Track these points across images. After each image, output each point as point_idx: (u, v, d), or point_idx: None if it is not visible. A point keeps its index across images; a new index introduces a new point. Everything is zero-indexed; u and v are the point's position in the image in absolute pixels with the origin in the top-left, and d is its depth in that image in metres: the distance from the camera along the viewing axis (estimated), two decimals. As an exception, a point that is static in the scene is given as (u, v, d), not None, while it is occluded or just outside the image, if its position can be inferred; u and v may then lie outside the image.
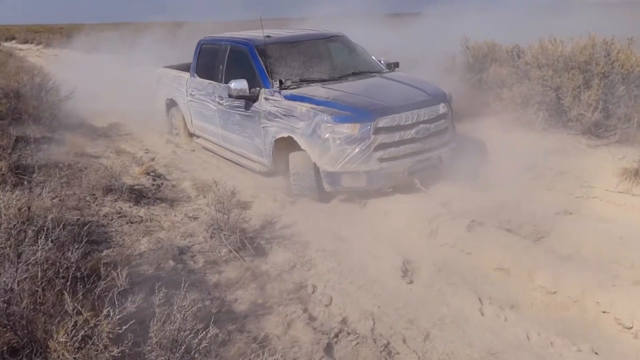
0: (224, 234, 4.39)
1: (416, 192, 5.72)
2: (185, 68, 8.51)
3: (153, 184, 5.94)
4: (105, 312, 2.16)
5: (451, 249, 4.83)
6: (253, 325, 3.37)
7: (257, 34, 6.93)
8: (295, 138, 5.83)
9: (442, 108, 5.94)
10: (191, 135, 8.39)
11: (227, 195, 4.47)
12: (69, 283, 2.50)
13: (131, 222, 4.71)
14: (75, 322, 2.09)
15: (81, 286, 2.60)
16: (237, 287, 3.82)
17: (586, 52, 7.14)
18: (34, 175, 5.06)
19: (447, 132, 6.10)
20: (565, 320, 3.85)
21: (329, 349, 3.24)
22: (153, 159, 7.17)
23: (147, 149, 7.71)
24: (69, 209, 4.59)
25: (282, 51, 6.70)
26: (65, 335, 2.08)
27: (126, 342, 2.17)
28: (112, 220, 4.62)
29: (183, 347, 2.21)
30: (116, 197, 5.11)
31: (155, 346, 2.16)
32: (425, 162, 5.80)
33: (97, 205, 4.89)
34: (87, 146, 7.23)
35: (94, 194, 5.13)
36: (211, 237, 4.47)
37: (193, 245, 4.39)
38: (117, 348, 2.08)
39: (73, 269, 2.62)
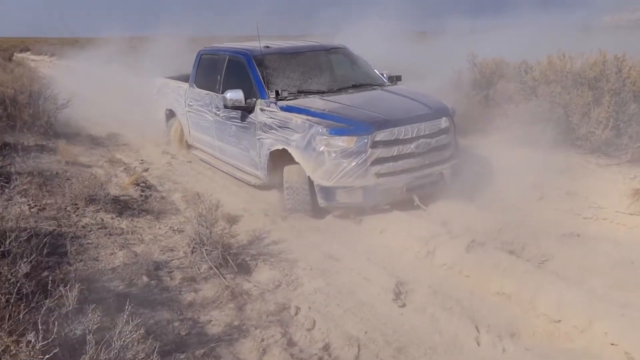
0: (206, 249, 4.12)
1: (415, 210, 5.43)
2: (186, 79, 8.36)
3: (141, 195, 5.71)
4: (28, 338, 1.88)
5: (448, 271, 4.51)
6: (224, 350, 3.08)
7: (257, 44, 6.75)
8: (290, 150, 5.58)
9: (444, 122, 5.66)
10: (189, 146, 8.20)
11: (211, 208, 4.19)
12: (11, 300, 2.24)
13: (110, 235, 4.46)
14: None
15: (24, 305, 2.33)
16: (213, 307, 3.54)
17: (596, 69, 6.85)
18: (16, 182, 4.84)
19: (449, 148, 5.81)
20: (570, 352, 3.51)
21: (306, 379, 2.93)
22: (147, 170, 6.96)
23: (142, 160, 7.51)
24: (46, 219, 4.35)
25: (281, 62, 6.50)
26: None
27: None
28: (90, 231, 4.37)
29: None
30: (99, 208, 4.88)
31: None
32: (425, 179, 5.51)
33: (77, 215, 4.66)
34: (80, 155, 7.04)
35: (76, 204, 4.89)
36: (192, 252, 4.21)
37: (172, 260, 4.12)
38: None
39: (18, 285, 2.35)
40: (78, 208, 4.83)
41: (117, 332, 2.14)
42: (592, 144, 6.51)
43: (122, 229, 4.65)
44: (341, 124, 5.31)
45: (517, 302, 4.01)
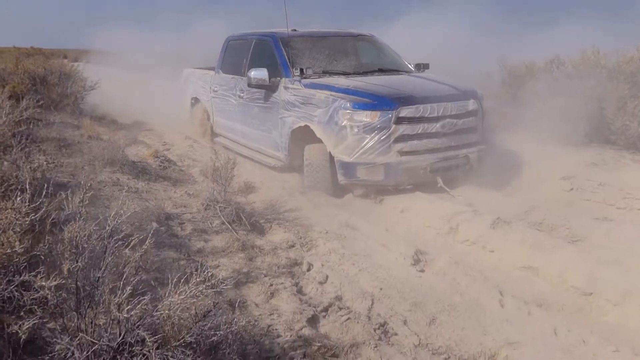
0: (220, 206, 4.00)
1: (438, 192, 5.23)
2: (212, 69, 8.40)
3: (160, 165, 5.65)
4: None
5: (471, 246, 4.28)
6: (231, 292, 2.91)
7: (284, 29, 6.73)
8: (312, 127, 5.47)
9: (471, 104, 5.48)
10: (213, 134, 8.17)
11: (227, 163, 4.09)
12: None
13: (124, 191, 4.38)
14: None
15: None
16: (221, 255, 3.39)
17: (633, 65, 6.59)
18: (36, 143, 4.84)
19: (477, 132, 5.61)
20: (602, 324, 3.23)
21: (313, 320, 2.73)
22: (168, 150, 6.94)
23: (164, 142, 7.51)
24: (61, 172, 4.30)
25: (307, 44, 6.45)
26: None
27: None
28: (104, 186, 4.30)
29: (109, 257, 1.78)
30: (115, 169, 4.82)
31: (67, 244, 1.74)
32: (450, 161, 5.32)
33: (93, 173, 4.60)
34: (103, 134, 7.06)
35: (93, 164, 4.85)
36: (205, 209, 4.09)
37: (184, 214, 4.01)
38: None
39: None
40: (95, 167, 4.79)
41: (113, 213, 2.01)
42: (627, 139, 6.23)
43: (137, 188, 4.58)
44: (365, 99, 5.19)
45: (544, 276, 3.76)
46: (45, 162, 4.49)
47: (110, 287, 1.69)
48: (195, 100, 8.52)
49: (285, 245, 3.84)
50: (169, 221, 3.78)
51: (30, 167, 2.71)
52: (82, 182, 3.27)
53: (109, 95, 9.54)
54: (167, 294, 1.70)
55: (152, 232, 2.64)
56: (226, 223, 3.86)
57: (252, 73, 6.09)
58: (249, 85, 6.29)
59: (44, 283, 1.62)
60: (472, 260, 4.05)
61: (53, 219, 2.09)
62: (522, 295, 3.46)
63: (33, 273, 1.70)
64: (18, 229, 1.80)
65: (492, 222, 4.37)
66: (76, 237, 1.70)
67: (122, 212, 2.08)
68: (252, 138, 6.83)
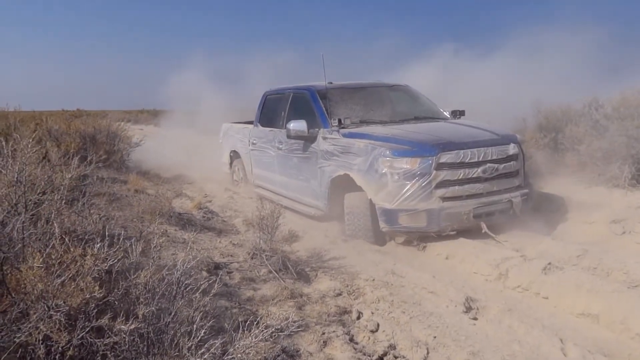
0: (266, 254, 4.03)
1: (482, 238, 5.14)
2: (250, 123, 8.67)
3: (204, 217, 5.77)
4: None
5: (523, 292, 4.15)
6: (283, 341, 2.88)
7: (320, 83, 6.95)
8: (352, 175, 5.53)
9: (512, 149, 5.46)
10: (252, 186, 8.34)
11: (274, 212, 4.15)
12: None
13: (173, 242, 4.48)
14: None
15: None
16: (271, 303, 3.38)
17: (675, 104, 6.49)
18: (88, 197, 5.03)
19: (518, 176, 5.56)
20: (676, 375, 3.03)
21: (370, 370, 2.67)
22: (210, 202, 7.09)
23: (206, 194, 7.68)
24: (114, 225, 4.44)
25: (343, 96, 6.63)
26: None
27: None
28: (153, 237, 4.41)
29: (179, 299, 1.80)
30: (163, 221, 4.95)
31: (142, 288, 1.78)
32: (493, 206, 5.25)
33: (143, 225, 4.73)
34: (148, 188, 7.29)
35: (142, 217, 4.99)
36: (252, 258, 4.12)
37: (231, 263, 4.05)
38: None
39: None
40: (144, 220, 4.92)
41: (180, 260, 2.05)
42: (676, 180, 6.03)
43: (184, 239, 4.66)
44: (404, 146, 5.24)
45: (606, 323, 3.58)
46: (97, 217, 4.65)
47: (182, 331, 1.71)
48: (235, 154, 8.76)
49: (332, 293, 3.81)
50: (218, 270, 3.82)
51: (95, 219, 2.83)
52: (141, 233, 3.37)
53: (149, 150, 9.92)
54: (237, 338, 1.71)
55: (205, 280, 2.67)
56: (273, 272, 3.87)
57: (292, 125, 6.25)
58: (288, 136, 6.46)
59: (123, 327, 1.65)
60: (526, 307, 3.91)
61: (117, 268, 2.16)
62: (584, 343, 3.30)
63: (107, 316, 1.74)
64: (95, 275, 1.87)
65: (543, 267, 4.24)
66: (149, 281, 1.75)
67: (189, 258, 2.11)
68: (291, 188, 6.92)
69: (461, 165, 5.15)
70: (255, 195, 7.93)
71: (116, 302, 1.88)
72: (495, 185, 5.31)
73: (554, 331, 3.40)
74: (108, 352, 1.72)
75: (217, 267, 3.88)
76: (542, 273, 4.18)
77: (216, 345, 1.67)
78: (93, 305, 1.78)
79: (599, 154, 6.80)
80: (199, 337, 1.65)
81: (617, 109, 6.81)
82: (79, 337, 1.71)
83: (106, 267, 1.88)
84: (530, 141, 8.14)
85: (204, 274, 3.58)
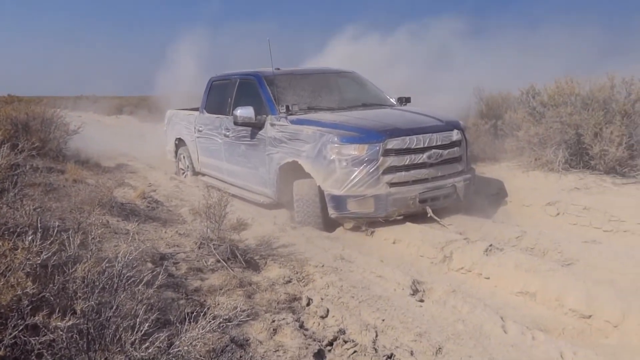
0: (214, 244, 3.95)
1: (428, 222, 5.28)
2: (196, 110, 8.45)
3: (148, 207, 5.58)
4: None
5: (467, 274, 4.30)
6: (232, 331, 2.84)
7: (267, 68, 6.84)
8: (300, 162, 5.51)
9: (455, 135, 5.60)
10: (197, 174, 8.16)
11: (221, 200, 4.07)
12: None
13: (115, 233, 4.30)
14: None
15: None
16: (219, 293, 3.32)
17: (605, 92, 6.86)
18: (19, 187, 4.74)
19: (462, 162, 5.72)
20: (606, 346, 3.23)
21: (319, 355, 2.68)
22: (154, 191, 6.86)
23: (150, 183, 7.43)
24: (50, 217, 4.21)
25: (291, 82, 6.58)
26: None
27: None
28: (93, 228, 4.21)
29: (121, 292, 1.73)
30: (105, 212, 4.74)
31: (80, 283, 1.68)
32: (438, 190, 5.39)
33: (82, 216, 4.52)
34: (88, 177, 6.97)
35: (81, 208, 4.76)
36: (199, 247, 4.03)
37: (177, 253, 3.94)
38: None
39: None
40: (83, 211, 4.70)
41: (121, 252, 1.96)
42: (606, 164, 6.40)
43: (128, 230, 4.49)
44: (352, 133, 5.27)
45: (542, 300, 3.77)
46: (31, 209, 4.39)
47: (125, 325, 1.64)
48: (180, 141, 8.53)
49: (282, 280, 3.79)
50: (163, 261, 3.71)
51: (27, 211, 2.66)
52: (80, 224, 3.21)
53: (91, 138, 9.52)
54: (184, 330, 1.66)
55: (149, 272, 2.59)
56: (221, 261, 3.81)
57: (239, 111, 6.14)
58: (235, 123, 6.34)
59: (60, 323, 1.56)
60: (469, 288, 4.06)
61: (53, 262, 2.04)
62: (523, 320, 3.46)
63: (43, 313, 1.63)
64: (28, 270, 1.74)
65: (485, 249, 4.40)
66: (88, 275, 1.66)
67: (132, 249, 2.02)
68: (239, 176, 6.82)
69: (407, 151, 5.24)
70: (202, 183, 7.77)
71: (52, 298, 1.77)
72: (439, 170, 5.45)
73: (495, 310, 3.53)
74: (44, 351, 1.62)
75: (163, 257, 3.76)
76: (484, 255, 4.34)
77: (161, 338, 1.61)
78: (26, 301, 1.67)
79: (535, 140, 7.11)
80: (143, 331, 1.58)
81: (552, 96, 7.13)
82: (12, 336, 1.60)
83: (40, 261, 1.77)
84: (473, 127, 8.40)
85: (149, 265, 3.46)
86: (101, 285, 1.72)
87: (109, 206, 4.87)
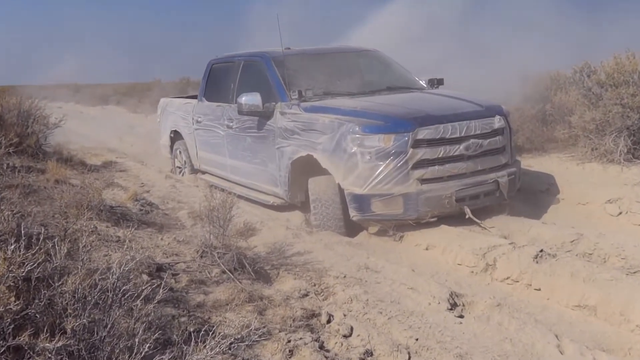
0: (218, 252, 3.97)
1: (467, 224, 5.26)
2: (193, 98, 8.52)
3: (141, 210, 5.63)
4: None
5: (513, 284, 4.27)
6: (242, 352, 2.85)
7: (276, 48, 6.85)
8: (316, 156, 5.51)
9: (497, 121, 5.55)
10: (196, 171, 8.23)
11: (225, 202, 4.09)
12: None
13: (105, 241, 4.35)
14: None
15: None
16: (226, 309, 3.34)
17: (675, 68, 6.75)
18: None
19: (505, 153, 5.68)
20: (681, 368, 3.18)
21: (344, 380, 2.68)
22: (148, 192, 6.93)
23: (142, 183, 7.50)
24: (31, 223, 4.27)
25: (304, 63, 6.60)
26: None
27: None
28: (81, 236, 4.26)
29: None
30: (92, 216, 4.79)
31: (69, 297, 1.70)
32: (478, 187, 5.36)
33: (67, 222, 4.57)
34: (72, 178, 7.05)
35: (65, 212, 4.82)
36: (201, 257, 4.06)
37: (177, 263, 3.97)
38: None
39: None
40: (68, 216, 4.75)
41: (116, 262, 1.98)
42: (676, 153, 6.30)
43: (119, 237, 4.54)
44: (376, 121, 5.26)
45: (604, 315, 3.72)
46: (10, 214, 4.46)
47: (121, 346, 1.65)
48: (176, 134, 8.59)
49: (297, 294, 3.81)
50: (161, 272, 3.74)
51: (6, 216, 2.69)
52: (66, 231, 3.25)
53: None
54: (189, 352, 1.66)
55: (147, 285, 2.61)
56: (227, 272, 3.83)
57: (243, 99, 6.16)
58: (240, 112, 6.37)
59: (48, 344, 1.57)
60: (517, 301, 4.03)
61: (38, 274, 2.06)
62: (581, 338, 3.42)
63: (28, 332, 1.65)
64: (11, 283, 1.76)
65: (534, 255, 4.36)
66: (79, 289, 1.67)
67: (127, 259, 2.04)
68: (245, 173, 6.86)
69: (441, 141, 5.21)
70: (202, 183, 7.82)
71: (38, 315, 1.79)
72: (479, 163, 5.42)
73: (548, 326, 3.50)
74: (30, 377, 1.64)
75: (160, 268, 3.80)
76: (533, 262, 4.30)
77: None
78: (9, 319, 1.69)
79: (591, 126, 7.02)
80: (143, 353, 1.59)
81: (611, 75, 7.02)
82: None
83: (24, 274, 1.79)
84: (517, 113, 8.32)
85: (144, 277, 3.49)
86: (93, 300, 1.73)
87: (97, 210, 4.91)
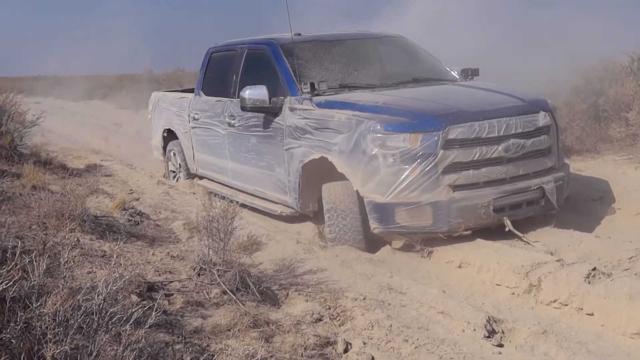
0: (218, 270, 3.99)
1: (507, 238, 5.27)
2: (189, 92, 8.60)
3: (129, 221, 5.68)
4: None
5: (562, 308, 4.24)
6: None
7: (284, 34, 6.90)
8: (331, 158, 5.55)
9: (542, 118, 5.55)
10: (193, 176, 8.29)
11: (226, 211, 4.12)
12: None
13: (89, 256, 4.39)
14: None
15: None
16: (227, 335, 3.36)
17: None
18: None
19: (551, 155, 5.68)
20: None
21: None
22: (137, 199, 6.99)
23: (131, 190, 7.57)
24: (5, 236, 4.33)
25: (317, 52, 6.63)
26: None
27: None
28: (62, 250, 4.32)
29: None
30: (74, 227, 4.85)
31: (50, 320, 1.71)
32: (520, 195, 5.37)
33: (46, 234, 4.64)
34: (51, 183, 7.14)
35: (44, 223, 4.88)
36: (198, 274, 4.09)
37: (170, 282, 4.00)
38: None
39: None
40: (47, 227, 4.81)
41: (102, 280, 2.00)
42: None
43: (104, 251, 4.58)
44: (401, 118, 5.28)
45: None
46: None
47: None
48: (169, 134, 8.67)
49: (309, 318, 3.82)
50: (152, 292, 3.77)
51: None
52: (45, 244, 3.29)
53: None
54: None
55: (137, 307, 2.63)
56: (228, 292, 3.85)
57: (247, 92, 6.20)
58: (243, 108, 6.41)
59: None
60: (565, 328, 4.00)
61: (13, 294, 2.09)
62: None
63: (3, 362, 1.67)
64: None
65: (586, 274, 4.34)
66: (60, 310, 1.69)
67: (115, 277, 2.06)
68: (249, 178, 6.91)
69: (477, 141, 5.22)
70: (200, 189, 7.87)
71: (13, 341, 1.81)
72: (521, 167, 5.42)
73: (603, 357, 3.49)
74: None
75: (152, 288, 3.81)
76: (584, 282, 4.27)
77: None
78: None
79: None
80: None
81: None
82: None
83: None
84: (565, 108, 8.31)
85: (134, 298, 3.52)
86: (76, 324, 1.75)
87: (79, 220, 4.96)
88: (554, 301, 4.31)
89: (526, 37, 10.49)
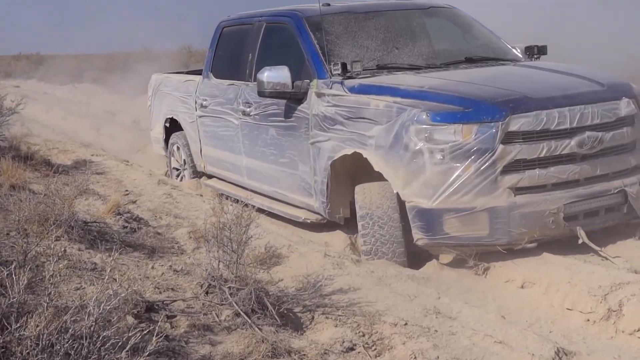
0: (229, 287, 4.03)
1: (581, 252, 5.27)
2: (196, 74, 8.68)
3: (125, 227, 5.76)
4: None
5: (647, 340, 4.20)
6: None
7: (311, 5, 6.92)
8: (366, 154, 5.56)
9: (624, 106, 5.50)
10: (201, 175, 8.36)
11: (240, 218, 4.15)
12: None
13: (76, 269, 4.46)
14: None
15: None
16: (242, 365, 3.40)
17: None
18: None
19: (636, 151, 5.63)
20: None
21: None
22: (134, 202, 7.08)
23: (127, 191, 7.69)
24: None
25: (349, 26, 6.65)
26: None
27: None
28: (45, 261, 4.40)
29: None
30: (60, 235, 4.93)
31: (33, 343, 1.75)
32: (597, 200, 5.35)
33: (27, 243, 4.73)
34: (32, 181, 7.27)
35: (25, 229, 4.97)
36: (206, 293, 4.13)
37: (173, 302, 4.05)
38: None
39: None
40: (28, 235, 4.90)
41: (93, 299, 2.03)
42: None
43: (95, 264, 4.65)
44: (451, 106, 5.28)
45: None
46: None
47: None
48: (172, 123, 8.75)
49: (339, 347, 3.82)
50: (152, 313, 3.82)
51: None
52: (26, 255, 3.35)
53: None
54: None
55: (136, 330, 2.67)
56: (242, 314, 3.87)
57: (265, 75, 6.23)
58: (261, 94, 6.44)
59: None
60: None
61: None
62: None
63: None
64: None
65: (678, 298, 4.30)
66: (44, 333, 1.73)
67: (110, 294, 2.10)
68: (267, 178, 6.95)
69: (544, 134, 5.20)
70: (209, 190, 7.93)
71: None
72: (598, 166, 5.38)
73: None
74: None
75: (151, 308, 3.87)
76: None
77: None
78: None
79: None
80: None
81: None
82: None
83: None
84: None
85: (130, 320, 3.57)
86: (63, 349, 1.78)
87: (66, 226, 5.04)
88: (638, 330, 4.27)
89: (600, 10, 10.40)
